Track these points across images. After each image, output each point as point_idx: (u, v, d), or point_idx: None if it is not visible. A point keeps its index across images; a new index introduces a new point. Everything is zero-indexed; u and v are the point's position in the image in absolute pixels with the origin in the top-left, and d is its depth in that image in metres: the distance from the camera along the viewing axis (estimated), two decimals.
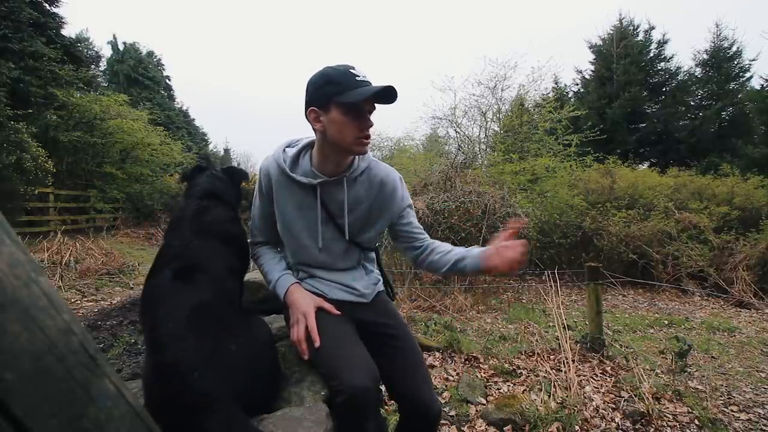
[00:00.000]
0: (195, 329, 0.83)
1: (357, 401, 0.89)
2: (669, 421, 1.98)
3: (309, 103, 1.03)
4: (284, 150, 1.15)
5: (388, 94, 0.99)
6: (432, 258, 1.18)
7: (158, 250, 1.03)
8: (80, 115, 9.06)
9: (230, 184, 1.24)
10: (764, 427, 2.00)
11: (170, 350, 0.80)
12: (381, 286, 1.29)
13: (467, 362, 2.68)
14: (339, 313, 1.09)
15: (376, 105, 1.04)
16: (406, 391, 1.07)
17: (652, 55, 14.63)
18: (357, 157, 1.13)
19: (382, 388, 1.13)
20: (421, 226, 1.24)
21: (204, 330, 0.85)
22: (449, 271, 1.16)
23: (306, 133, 1.25)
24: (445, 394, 2.22)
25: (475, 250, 1.12)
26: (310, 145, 1.15)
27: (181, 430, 0.73)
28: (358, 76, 1.00)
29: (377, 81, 1.02)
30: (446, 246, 1.19)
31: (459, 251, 1.15)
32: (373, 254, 1.28)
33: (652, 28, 14.78)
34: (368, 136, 1.05)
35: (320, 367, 1.03)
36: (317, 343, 0.99)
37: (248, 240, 1.21)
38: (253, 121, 75.60)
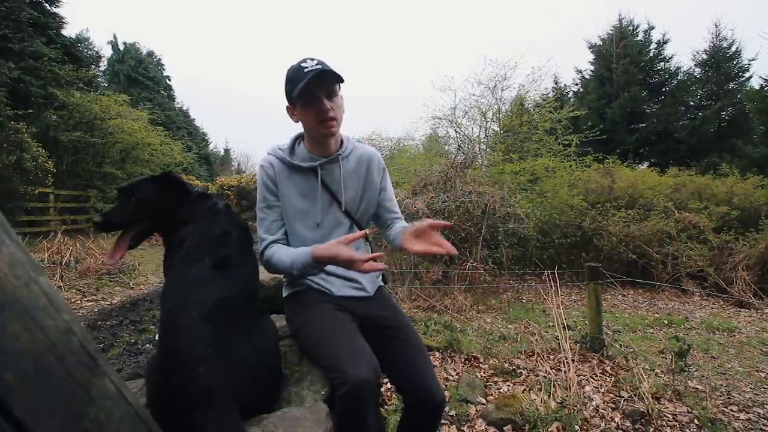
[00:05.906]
0: (213, 322, 0.84)
1: (359, 393, 0.90)
2: (669, 420, 1.98)
3: (287, 102, 1.14)
4: (278, 147, 1.23)
5: (322, 78, 1.04)
6: (386, 232, 1.31)
7: (192, 236, 1.00)
8: (80, 115, 9.05)
9: None
10: (764, 427, 2.00)
11: (184, 339, 0.80)
12: (381, 281, 1.32)
13: (467, 362, 2.68)
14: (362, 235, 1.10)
15: (336, 86, 1.10)
16: (411, 379, 1.08)
17: (651, 55, 14.65)
18: (345, 138, 1.23)
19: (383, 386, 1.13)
20: (398, 208, 1.35)
21: (221, 325, 0.85)
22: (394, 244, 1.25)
23: None
24: (445, 393, 2.22)
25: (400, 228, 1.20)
26: (301, 136, 1.24)
27: (179, 427, 0.73)
28: (307, 68, 1.04)
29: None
30: (401, 224, 1.28)
31: (398, 227, 1.25)
32: (368, 245, 1.34)
33: (652, 28, 14.82)
34: (329, 118, 1.09)
35: (321, 360, 1.03)
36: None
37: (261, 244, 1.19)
38: (253, 121, 75.53)
